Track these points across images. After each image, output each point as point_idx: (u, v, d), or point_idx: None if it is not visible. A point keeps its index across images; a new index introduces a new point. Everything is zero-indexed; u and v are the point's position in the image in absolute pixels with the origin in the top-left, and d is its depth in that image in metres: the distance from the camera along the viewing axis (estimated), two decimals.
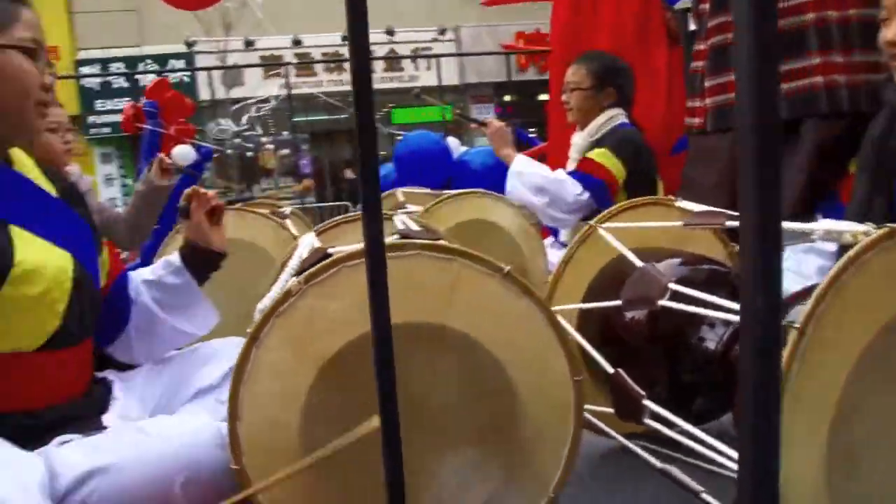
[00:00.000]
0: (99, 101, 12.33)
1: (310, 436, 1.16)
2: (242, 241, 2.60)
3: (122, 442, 1.20)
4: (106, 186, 12.60)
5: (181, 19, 11.33)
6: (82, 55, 12.47)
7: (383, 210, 2.78)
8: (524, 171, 2.57)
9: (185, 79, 11.81)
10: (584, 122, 2.67)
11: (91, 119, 12.51)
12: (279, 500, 1.17)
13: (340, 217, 1.98)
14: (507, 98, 13.29)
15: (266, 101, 8.84)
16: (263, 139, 12.55)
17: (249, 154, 12.49)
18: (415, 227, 1.68)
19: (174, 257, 1.54)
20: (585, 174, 2.53)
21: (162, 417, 1.34)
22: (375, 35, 12.09)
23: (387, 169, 4.56)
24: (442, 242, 1.25)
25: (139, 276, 1.54)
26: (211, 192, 1.57)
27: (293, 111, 10.24)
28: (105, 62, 12.11)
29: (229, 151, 10.54)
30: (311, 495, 1.19)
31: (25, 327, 1.24)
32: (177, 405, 1.42)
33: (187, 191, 1.55)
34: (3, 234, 1.23)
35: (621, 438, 1.50)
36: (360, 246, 1.21)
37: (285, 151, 13.07)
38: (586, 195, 2.50)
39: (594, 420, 1.53)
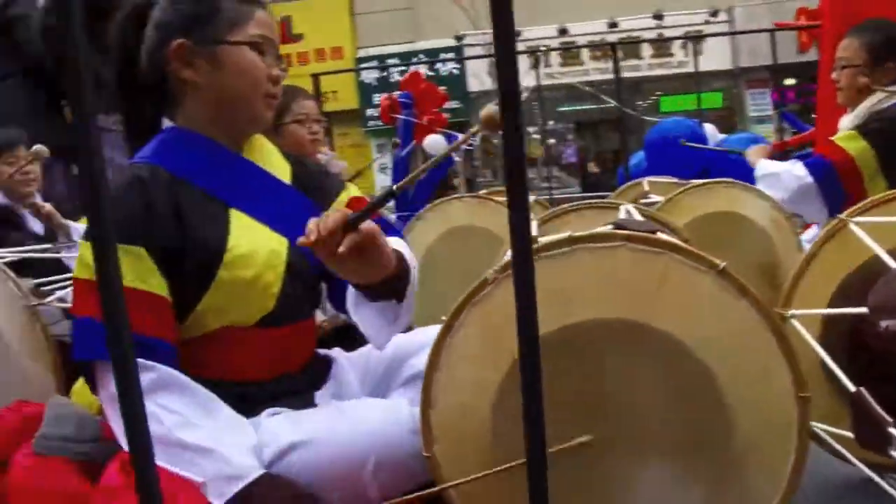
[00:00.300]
0: (376, 95, 13.25)
1: (499, 430, 1.13)
2: (480, 227, 2.64)
3: (321, 419, 1.25)
4: (381, 174, 13.51)
5: (451, 13, 11.83)
6: (361, 53, 13.45)
7: (626, 199, 2.67)
8: (756, 165, 2.36)
9: (455, 71, 12.31)
10: (854, 104, 2.34)
11: (369, 112, 13.48)
12: (470, 495, 1.15)
13: (568, 205, 1.92)
14: (787, 82, 12.22)
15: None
16: (529, 129, 12.73)
17: None
18: (637, 217, 1.57)
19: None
20: (816, 157, 2.25)
21: (363, 400, 1.37)
22: (643, 20, 11.72)
23: (638, 157, 4.38)
24: (650, 234, 1.15)
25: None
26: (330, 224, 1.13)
27: (557, 101, 10.21)
28: (382, 59, 12.97)
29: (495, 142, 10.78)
30: (503, 494, 1.16)
31: (240, 307, 1.31)
32: (393, 388, 1.44)
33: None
34: (222, 218, 1.32)
35: (865, 468, 1.30)
36: (561, 236, 1.17)
37: (551, 141, 13.15)
38: (809, 179, 2.21)
39: (834, 444, 1.34)
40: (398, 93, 4.13)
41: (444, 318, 1.18)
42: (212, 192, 1.33)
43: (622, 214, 1.57)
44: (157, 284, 1.24)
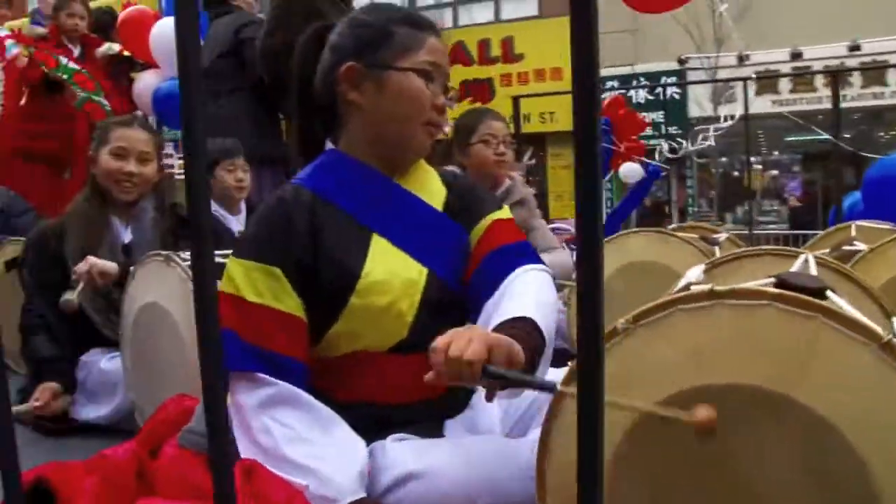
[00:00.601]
0: None
1: (616, 492, 1.06)
2: (660, 264, 2.52)
3: (440, 453, 1.24)
4: (556, 201, 13.28)
5: (675, 35, 11.46)
6: None
7: (829, 244, 2.42)
8: None
9: (676, 96, 11.92)
10: None
11: None
12: None
13: (741, 250, 1.77)
14: None
15: (724, 120, 8.40)
16: (752, 159, 12.02)
17: (735, 174, 12.07)
18: (812, 270, 1.42)
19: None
20: None
21: (487, 437, 1.34)
22: (889, 42, 10.67)
23: (855, 197, 3.95)
24: (802, 296, 1.02)
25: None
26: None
27: (787, 130, 9.54)
28: (601, 81, 12.81)
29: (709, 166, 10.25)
30: None
31: (372, 333, 1.33)
32: (534, 426, 1.39)
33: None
34: (363, 243, 1.33)
35: None
36: (702, 289, 1.07)
37: (773, 172, 12.34)
38: None
39: None
40: None
41: (569, 363, 1.13)
42: (356, 216, 1.36)
43: (797, 265, 1.42)
44: (292, 304, 1.28)
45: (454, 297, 1.40)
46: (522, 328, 1.21)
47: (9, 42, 4.67)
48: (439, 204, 1.45)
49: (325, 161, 1.43)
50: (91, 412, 2.20)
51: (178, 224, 2.46)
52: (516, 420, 1.46)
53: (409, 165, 1.45)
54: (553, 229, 3.43)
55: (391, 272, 1.33)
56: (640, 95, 12.85)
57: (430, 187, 1.47)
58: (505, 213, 1.49)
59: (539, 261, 1.43)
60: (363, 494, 1.15)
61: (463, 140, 2.76)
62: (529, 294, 1.31)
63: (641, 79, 12.72)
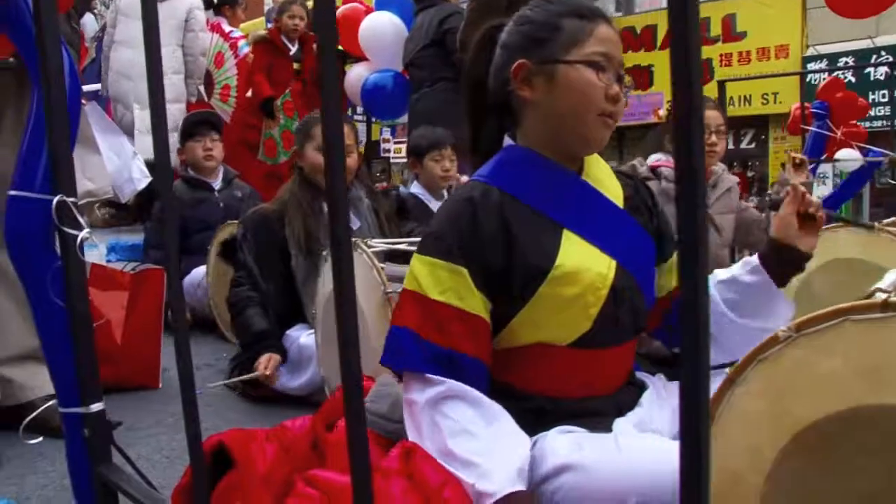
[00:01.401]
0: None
1: None
2: (869, 263, 2.30)
3: (599, 447, 1.23)
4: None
5: None
6: (810, 52, 12.35)
7: None
8: None
9: None
10: None
11: None
12: None
13: None
14: None
15: None
16: None
17: None
18: None
19: (752, 257, 1.47)
20: None
21: (646, 436, 1.31)
22: None
23: None
24: None
25: (712, 279, 1.49)
26: (813, 199, 1.45)
27: None
28: (833, 57, 11.75)
29: None
30: None
31: (556, 325, 1.33)
32: None
33: (789, 182, 1.50)
34: (554, 238, 1.34)
35: None
36: (873, 300, 0.98)
37: None
38: None
39: None
40: (813, 102, 3.71)
41: (727, 370, 1.08)
42: (545, 212, 1.36)
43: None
44: (475, 305, 1.29)
45: (637, 291, 1.39)
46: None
47: (242, 42, 5.16)
48: (619, 200, 1.44)
49: (508, 157, 1.43)
50: (289, 382, 2.40)
51: (397, 208, 2.62)
52: None
53: (586, 159, 1.44)
54: None
55: (583, 264, 1.32)
56: (879, 72, 11.59)
57: (609, 183, 1.46)
58: None
59: None
60: (521, 487, 1.16)
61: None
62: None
63: (883, 53, 11.47)
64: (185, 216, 3.69)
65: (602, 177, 1.46)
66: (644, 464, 1.18)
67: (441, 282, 1.29)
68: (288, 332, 2.54)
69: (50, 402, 1.78)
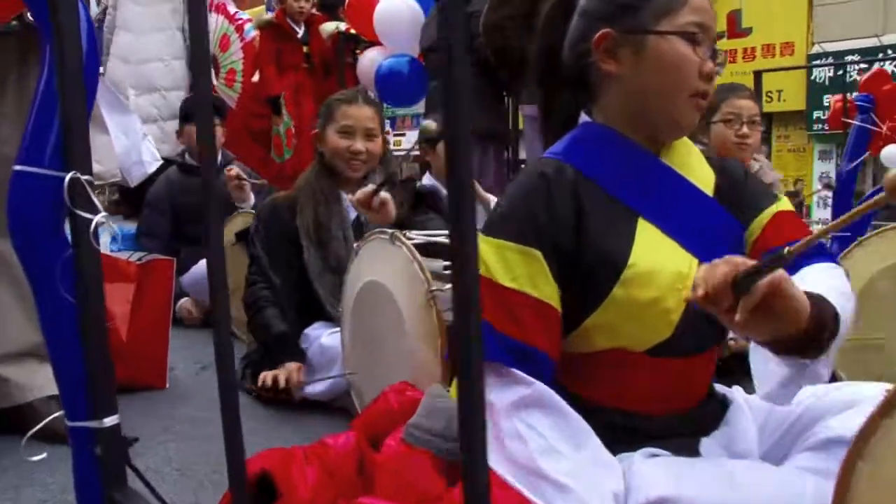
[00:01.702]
0: (826, 96, 11.97)
1: None
2: None
3: (705, 479, 1.06)
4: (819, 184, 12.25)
5: None
6: (816, 49, 12.24)
7: None
8: None
9: None
10: None
11: (816, 114, 12.28)
12: None
13: None
14: None
15: None
16: None
17: None
18: None
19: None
20: None
21: (758, 465, 1.14)
22: None
23: None
24: None
25: None
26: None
27: None
28: (838, 55, 11.63)
29: None
30: None
31: (632, 331, 1.19)
32: (797, 450, 1.19)
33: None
34: (628, 228, 1.19)
35: None
36: None
37: None
38: None
39: None
40: (856, 94, 3.54)
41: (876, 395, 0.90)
42: (621, 197, 1.22)
43: None
44: (548, 292, 1.16)
45: None
46: (813, 296, 1.02)
47: (248, 25, 4.98)
48: (709, 188, 1.29)
49: (583, 135, 1.29)
50: (309, 387, 2.21)
51: (413, 198, 2.42)
52: (774, 442, 1.26)
53: (673, 142, 1.29)
54: None
55: (659, 263, 1.18)
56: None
57: (698, 169, 1.31)
58: (786, 204, 1.31)
59: (833, 259, 1.20)
60: None
61: (704, 117, 2.53)
62: (822, 280, 1.13)
63: (889, 51, 11.38)
64: (178, 202, 3.64)
65: (691, 162, 1.31)
66: (763, 496, 1.04)
67: (512, 267, 1.15)
68: (306, 331, 2.35)
69: (53, 409, 1.59)
